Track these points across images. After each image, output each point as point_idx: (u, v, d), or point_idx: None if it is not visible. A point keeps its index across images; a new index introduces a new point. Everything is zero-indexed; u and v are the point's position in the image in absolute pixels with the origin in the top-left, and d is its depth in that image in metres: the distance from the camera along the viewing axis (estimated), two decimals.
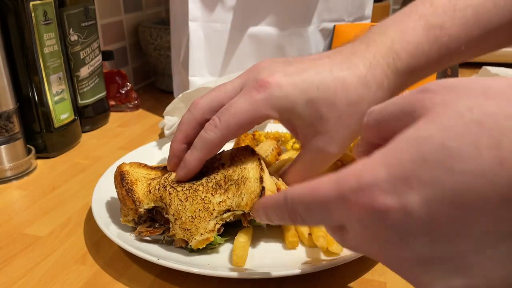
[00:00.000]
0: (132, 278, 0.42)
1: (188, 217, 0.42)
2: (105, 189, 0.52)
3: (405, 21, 0.41)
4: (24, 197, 0.58)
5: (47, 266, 0.44)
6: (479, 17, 0.41)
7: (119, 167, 0.47)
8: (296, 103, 0.40)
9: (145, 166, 0.49)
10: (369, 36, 0.42)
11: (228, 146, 0.49)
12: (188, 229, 0.41)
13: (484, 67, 0.96)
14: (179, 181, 0.44)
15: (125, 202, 0.44)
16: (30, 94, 0.65)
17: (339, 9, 0.82)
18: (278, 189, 0.43)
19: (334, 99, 0.39)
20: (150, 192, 0.44)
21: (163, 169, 0.49)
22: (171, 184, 0.44)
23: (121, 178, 0.46)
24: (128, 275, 0.42)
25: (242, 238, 0.43)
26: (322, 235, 0.41)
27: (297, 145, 0.62)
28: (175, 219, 0.42)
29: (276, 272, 0.38)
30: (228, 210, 0.42)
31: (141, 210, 0.44)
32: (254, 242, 0.45)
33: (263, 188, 0.42)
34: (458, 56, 0.42)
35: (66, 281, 0.42)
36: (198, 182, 0.44)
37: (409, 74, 0.41)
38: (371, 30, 0.42)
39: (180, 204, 0.42)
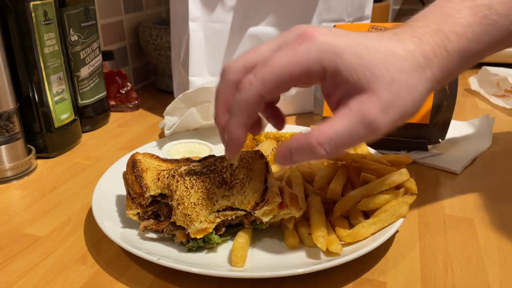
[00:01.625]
0: (132, 278, 0.42)
1: (191, 203, 0.42)
2: (105, 189, 0.52)
3: (448, 5, 0.38)
4: (24, 197, 0.58)
5: (47, 266, 0.44)
6: None
7: (133, 156, 0.49)
8: (343, 55, 0.35)
9: (157, 157, 0.51)
10: (409, 23, 0.39)
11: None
12: (188, 215, 0.42)
13: (484, 67, 0.96)
14: (226, 157, 0.42)
15: (132, 187, 0.45)
16: (30, 94, 0.65)
17: (339, 9, 0.82)
18: (281, 191, 0.44)
19: (385, 61, 0.35)
20: (158, 179, 0.45)
21: (174, 162, 0.50)
22: (180, 174, 0.45)
23: (133, 165, 0.47)
24: (128, 275, 0.42)
25: (241, 239, 0.43)
26: (322, 235, 0.41)
27: None
28: (178, 204, 0.43)
29: (276, 272, 0.39)
30: (231, 208, 0.43)
31: (147, 195, 0.44)
32: (254, 242, 0.45)
33: (266, 188, 0.42)
34: (507, 38, 0.39)
35: (66, 281, 0.42)
36: (206, 176, 0.45)
37: (460, 56, 0.38)
38: (407, 21, 0.39)
39: (185, 190, 0.43)
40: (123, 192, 0.49)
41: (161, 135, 0.77)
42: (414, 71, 0.36)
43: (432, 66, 0.36)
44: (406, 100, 0.36)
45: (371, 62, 0.35)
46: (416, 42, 0.36)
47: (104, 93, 0.82)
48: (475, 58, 0.39)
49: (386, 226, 0.43)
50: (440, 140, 0.65)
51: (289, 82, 0.36)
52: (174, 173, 0.45)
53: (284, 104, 0.51)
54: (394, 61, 0.35)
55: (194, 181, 0.44)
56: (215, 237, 0.43)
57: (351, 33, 0.37)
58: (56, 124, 0.68)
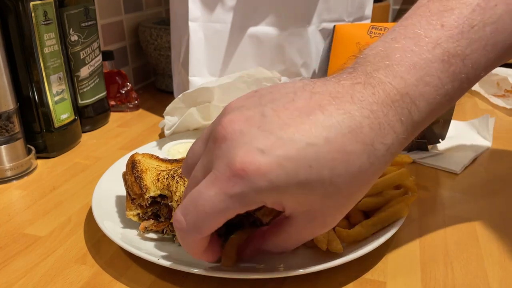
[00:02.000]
0: (132, 278, 0.42)
1: None
2: (105, 189, 0.52)
3: (416, 50, 0.32)
4: (24, 197, 0.58)
5: (47, 266, 0.44)
6: (497, 35, 0.33)
7: (132, 156, 0.49)
8: (282, 189, 0.30)
9: (157, 158, 0.51)
10: (372, 72, 0.32)
11: None
12: None
13: None
14: None
15: (132, 188, 0.45)
16: (30, 94, 0.65)
17: (339, 9, 0.82)
18: None
19: (331, 176, 0.30)
20: (158, 180, 0.45)
21: (174, 162, 0.50)
22: (180, 175, 0.45)
23: (132, 165, 0.47)
24: (128, 275, 0.42)
25: (235, 237, 0.41)
26: (322, 235, 0.41)
27: None
28: (178, 205, 0.43)
29: (276, 272, 0.39)
30: None
31: (147, 196, 0.44)
32: None
33: None
34: (473, 85, 0.35)
35: (66, 281, 0.42)
36: None
37: (427, 121, 0.34)
38: (372, 58, 0.33)
39: None
40: (123, 192, 0.49)
41: (161, 135, 0.77)
42: (369, 165, 0.31)
43: (391, 151, 0.32)
44: (356, 200, 0.34)
45: (315, 186, 0.30)
46: (376, 127, 0.31)
47: (104, 93, 0.82)
48: (439, 113, 0.35)
49: (386, 226, 0.43)
50: (440, 140, 0.65)
51: (223, 222, 0.32)
52: (174, 173, 0.45)
53: None
54: (342, 168, 0.30)
55: None
56: None
57: (290, 139, 0.30)
58: (56, 124, 0.68)
